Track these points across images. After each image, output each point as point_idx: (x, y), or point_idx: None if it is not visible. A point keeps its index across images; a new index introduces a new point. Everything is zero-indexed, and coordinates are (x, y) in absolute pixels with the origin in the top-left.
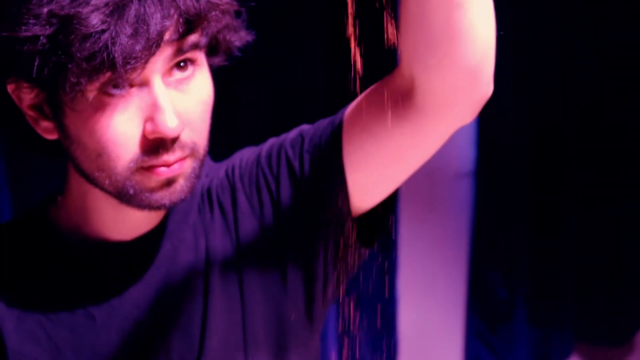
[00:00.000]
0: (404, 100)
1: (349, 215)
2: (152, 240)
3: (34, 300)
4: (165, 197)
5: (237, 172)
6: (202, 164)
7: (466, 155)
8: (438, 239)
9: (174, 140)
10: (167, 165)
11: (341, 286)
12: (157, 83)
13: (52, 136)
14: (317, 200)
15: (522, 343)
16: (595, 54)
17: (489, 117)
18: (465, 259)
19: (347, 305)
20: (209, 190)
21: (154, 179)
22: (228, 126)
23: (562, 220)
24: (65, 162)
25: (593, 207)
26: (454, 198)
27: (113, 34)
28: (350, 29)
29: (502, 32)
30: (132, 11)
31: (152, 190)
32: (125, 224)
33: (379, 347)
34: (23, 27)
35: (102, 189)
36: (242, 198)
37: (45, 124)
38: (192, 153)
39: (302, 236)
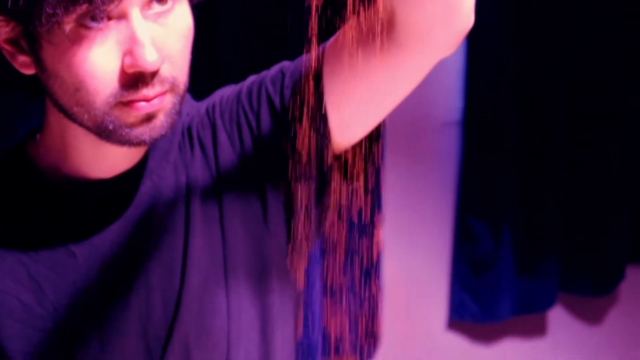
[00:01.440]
0: (384, 33)
1: (330, 152)
2: (132, 177)
3: (13, 238)
4: (145, 132)
5: (217, 109)
6: (182, 99)
7: (453, 105)
8: (424, 187)
9: (153, 74)
10: (147, 100)
11: (323, 225)
12: (136, 16)
13: (30, 71)
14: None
15: (507, 292)
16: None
17: (476, 67)
18: (451, 208)
19: (331, 252)
20: (189, 129)
21: (134, 114)
22: (210, 64)
23: (548, 171)
24: (43, 99)
25: (579, 159)
26: (440, 147)
27: None
28: None
29: None
30: None
31: (132, 125)
32: (105, 161)
33: (364, 294)
34: None
35: (81, 124)
36: (222, 135)
37: (22, 58)
38: (172, 88)
39: (283, 172)
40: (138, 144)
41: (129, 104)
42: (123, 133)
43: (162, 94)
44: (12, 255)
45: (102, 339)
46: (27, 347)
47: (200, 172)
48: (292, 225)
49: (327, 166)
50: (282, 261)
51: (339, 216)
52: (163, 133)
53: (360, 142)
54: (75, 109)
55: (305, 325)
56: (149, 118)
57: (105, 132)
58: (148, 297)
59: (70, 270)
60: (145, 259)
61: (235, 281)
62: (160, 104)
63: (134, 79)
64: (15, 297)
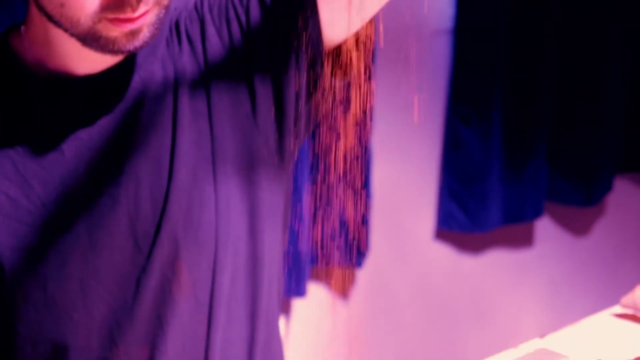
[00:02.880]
0: None
1: (321, 47)
2: (120, 73)
3: None
4: (129, 44)
5: (206, 3)
6: (167, 8)
7: (445, 13)
8: (415, 96)
9: None
10: (131, 20)
11: (312, 123)
12: None
13: None
14: (289, 31)
15: (495, 202)
16: None
17: None
18: (441, 117)
19: (321, 158)
20: (177, 23)
21: (118, 30)
22: None
23: (539, 81)
24: None
25: (570, 69)
26: (431, 55)
27: None
28: None
29: None
30: None
31: (116, 38)
32: (91, 57)
33: (352, 202)
34: None
35: (65, 32)
36: (211, 30)
37: None
38: (157, 2)
39: (273, 68)
40: (122, 53)
41: (113, 20)
42: (106, 44)
43: (146, 12)
44: None
45: (91, 234)
46: (15, 241)
47: (188, 67)
48: (281, 121)
49: (317, 62)
50: (271, 159)
51: (329, 115)
52: (147, 42)
53: (352, 39)
54: (59, 18)
55: (294, 233)
56: (133, 33)
57: (89, 42)
58: (136, 193)
59: (58, 165)
60: (133, 155)
61: (223, 177)
62: (144, 20)
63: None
64: (2, 191)
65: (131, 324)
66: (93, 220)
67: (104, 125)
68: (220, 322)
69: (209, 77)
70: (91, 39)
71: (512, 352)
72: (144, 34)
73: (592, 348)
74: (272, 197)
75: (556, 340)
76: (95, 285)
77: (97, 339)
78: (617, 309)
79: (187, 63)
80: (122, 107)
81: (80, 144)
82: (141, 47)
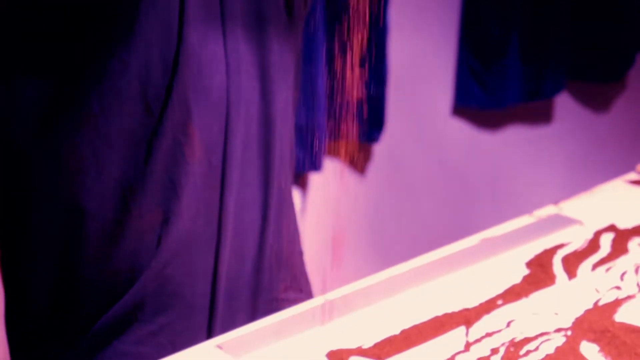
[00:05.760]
0: None
1: None
2: None
3: None
4: None
5: None
6: None
7: None
8: None
9: None
10: None
11: None
12: None
13: None
14: None
15: (514, 79)
16: None
17: None
18: None
19: (335, 31)
20: None
21: None
22: None
23: None
24: None
25: None
26: None
27: None
28: None
29: None
30: None
31: None
32: None
33: (368, 78)
34: None
35: None
36: None
37: None
38: None
39: None
40: None
41: None
42: None
43: None
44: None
45: (101, 99)
46: (26, 108)
47: None
48: None
49: None
50: (280, 20)
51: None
52: None
53: None
54: None
55: (309, 107)
56: None
57: None
58: (146, 56)
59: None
60: (142, 17)
61: (233, 39)
62: None
63: None
64: None
65: (143, 187)
66: (103, 85)
67: None
68: (233, 185)
69: None
70: None
71: (526, 218)
72: None
73: (606, 213)
74: (283, 59)
75: (570, 207)
76: (107, 150)
77: (111, 203)
78: (632, 175)
79: None
80: None
81: (89, 7)
82: None
